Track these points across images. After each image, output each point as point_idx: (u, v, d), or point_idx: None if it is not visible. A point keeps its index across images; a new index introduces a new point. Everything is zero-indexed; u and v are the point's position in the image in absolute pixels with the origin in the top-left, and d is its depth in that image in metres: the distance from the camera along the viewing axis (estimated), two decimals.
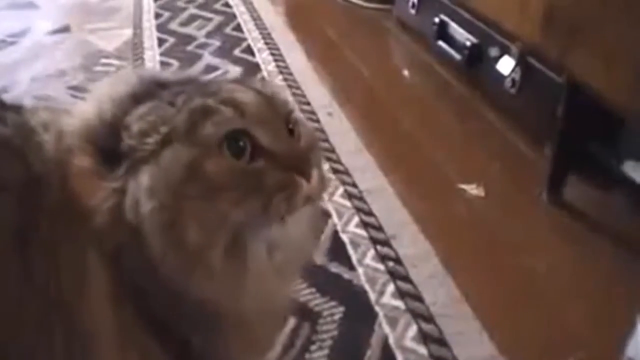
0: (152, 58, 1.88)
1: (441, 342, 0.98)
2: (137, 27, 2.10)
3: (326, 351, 0.96)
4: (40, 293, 0.54)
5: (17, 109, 0.63)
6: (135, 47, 1.96)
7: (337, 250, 1.14)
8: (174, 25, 2.11)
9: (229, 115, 0.56)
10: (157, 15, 2.18)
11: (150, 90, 0.59)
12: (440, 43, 1.76)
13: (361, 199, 1.28)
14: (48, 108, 0.63)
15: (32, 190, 0.56)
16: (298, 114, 0.64)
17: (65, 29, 2.10)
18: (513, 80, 1.43)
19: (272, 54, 1.90)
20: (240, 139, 0.56)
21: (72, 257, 0.55)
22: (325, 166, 1.35)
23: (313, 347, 0.97)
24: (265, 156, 0.57)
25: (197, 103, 0.57)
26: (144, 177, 0.55)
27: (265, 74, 1.79)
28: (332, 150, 1.42)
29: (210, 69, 1.81)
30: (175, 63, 1.84)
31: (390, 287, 1.07)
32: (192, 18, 2.17)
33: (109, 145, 0.56)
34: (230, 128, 0.56)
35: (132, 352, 0.57)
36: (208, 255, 0.55)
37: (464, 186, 1.34)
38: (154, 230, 0.54)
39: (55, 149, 0.58)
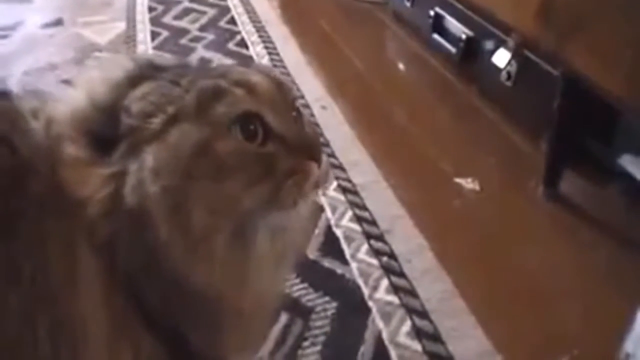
0: (145, 52, 1.86)
1: (435, 337, 0.97)
2: (131, 20, 2.09)
3: (319, 347, 0.95)
4: (26, 284, 0.53)
5: (5, 94, 0.61)
6: (128, 40, 1.94)
7: (331, 245, 1.13)
8: (167, 19, 2.10)
9: (242, 97, 0.56)
10: (151, 9, 2.17)
11: (147, 73, 0.58)
12: (436, 36, 1.75)
13: (355, 193, 1.27)
14: (37, 95, 0.62)
15: (19, 177, 0.54)
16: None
17: (58, 22, 2.09)
18: (509, 74, 1.42)
19: (266, 47, 1.88)
20: (252, 122, 0.56)
21: (62, 248, 0.54)
22: None
23: (306, 343, 0.96)
24: (275, 140, 0.57)
25: (207, 83, 0.56)
26: (149, 158, 0.53)
27: None
28: (326, 144, 1.40)
29: (203, 62, 1.80)
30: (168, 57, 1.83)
31: (384, 282, 1.06)
32: (186, 11, 2.16)
33: (104, 131, 0.55)
34: (243, 110, 0.56)
35: (123, 342, 0.56)
36: (213, 240, 0.55)
37: (459, 180, 1.33)
38: (159, 213, 0.53)
39: (44, 137, 0.56)
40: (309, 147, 0.58)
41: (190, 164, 0.54)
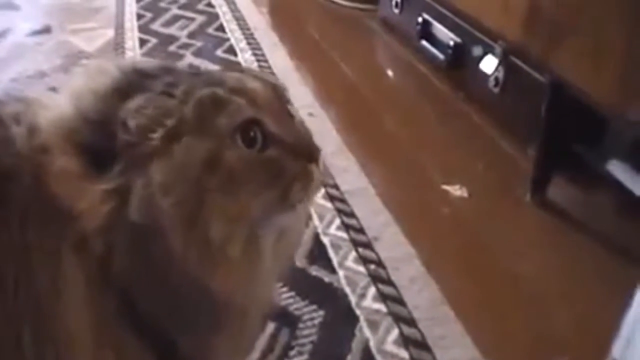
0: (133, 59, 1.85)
1: (423, 346, 0.97)
2: (119, 27, 2.07)
3: (306, 356, 0.95)
4: (9, 293, 0.52)
5: None
6: (117, 47, 1.93)
7: (318, 253, 1.13)
8: (156, 26, 2.09)
9: (242, 106, 0.56)
10: (139, 16, 2.16)
11: (134, 81, 0.57)
12: (424, 43, 1.75)
13: (343, 200, 1.26)
14: (20, 100, 0.60)
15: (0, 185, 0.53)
16: None
17: (46, 30, 2.07)
18: (496, 80, 1.43)
19: (255, 54, 1.88)
20: (251, 129, 0.56)
21: (46, 258, 0.53)
22: None
23: (292, 352, 0.95)
24: (276, 145, 0.57)
25: (204, 93, 0.56)
26: (156, 174, 0.53)
27: None
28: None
29: (189, 67, 1.79)
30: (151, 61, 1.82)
31: (372, 290, 1.05)
32: (175, 18, 2.15)
33: (95, 144, 0.54)
34: (244, 118, 0.55)
35: (107, 351, 0.55)
36: (230, 248, 0.55)
37: (447, 187, 1.33)
38: (173, 226, 0.53)
39: (27, 145, 0.55)
40: (307, 148, 0.59)
41: (201, 177, 0.53)
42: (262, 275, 0.59)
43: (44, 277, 0.53)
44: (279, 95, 0.61)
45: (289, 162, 0.57)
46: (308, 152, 0.58)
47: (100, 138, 0.54)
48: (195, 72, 0.61)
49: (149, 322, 0.56)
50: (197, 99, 0.55)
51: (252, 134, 0.56)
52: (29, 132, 0.55)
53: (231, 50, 1.91)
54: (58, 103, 0.58)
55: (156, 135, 0.53)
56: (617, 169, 1.16)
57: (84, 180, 0.53)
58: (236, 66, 0.60)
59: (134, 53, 1.89)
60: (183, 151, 0.54)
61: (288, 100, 0.62)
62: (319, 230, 1.18)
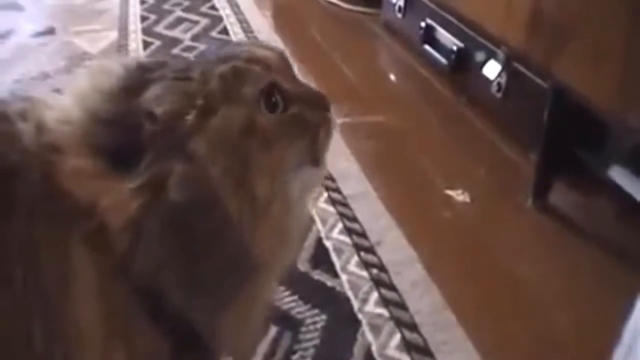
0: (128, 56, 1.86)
1: (425, 351, 0.97)
2: (123, 29, 2.08)
3: None
4: (17, 287, 0.53)
5: None
6: (120, 49, 1.94)
7: (321, 257, 1.13)
8: (159, 28, 2.10)
9: (261, 73, 0.61)
10: (143, 18, 2.17)
11: (139, 76, 0.59)
12: (427, 47, 1.75)
13: (345, 204, 1.27)
14: (25, 99, 0.61)
15: (4, 181, 0.54)
16: None
17: (49, 31, 2.08)
18: (499, 85, 1.43)
19: None
20: (272, 93, 0.61)
21: (55, 253, 0.54)
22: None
23: (295, 356, 0.95)
24: (295, 102, 0.62)
25: (225, 68, 0.60)
26: (199, 148, 0.56)
27: None
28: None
29: (181, 58, 1.80)
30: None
31: (374, 295, 1.06)
32: (179, 21, 2.15)
33: (114, 144, 0.56)
34: (265, 84, 0.60)
35: (118, 342, 0.57)
36: (272, 206, 0.60)
37: (449, 192, 1.33)
38: (227, 192, 0.57)
39: (35, 141, 0.56)
40: (321, 100, 0.65)
41: (241, 142, 0.58)
42: (292, 235, 0.65)
43: (53, 273, 0.54)
44: (285, 60, 0.66)
45: (309, 114, 0.63)
46: (322, 103, 0.65)
47: (117, 137, 0.56)
48: (206, 55, 0.66)
49: (170, 309, 0.58)
50: (218, 75, 0.59)
51: (273, 98, 0.61)
52: (37, 129, 0.57)
53: None
54: (64, 104, 0.59)
55: (190, 117, 0.57)
56: (619, 174, 1.16)
57: (104, 179, 0.55)
58: (234, 43, 0.68)
59: (137, 55, 1.89)
60: (220, 123, 0.58)
61: (289, 60, 0.67)
62: (322, 235, 1.18)
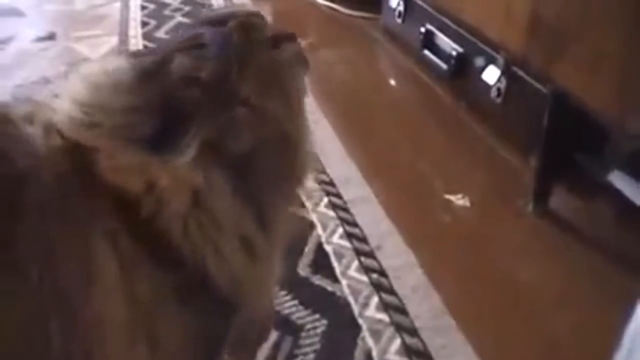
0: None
1: (425, 355, 0.97)
2: (123, 35, 2.08)
3: None
4: (33, 286, 0.53)
5: None
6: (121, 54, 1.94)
7: (321, 262, 1.14)
8: (160, 34, 2.10)
9: (261, 21, 0.70)
10: (144, 24, 2.17)
11: (147, 61, 0.63)
12: (427, 52, 1.76)
13: (345, 209, 1.27)
14: (28, 102, 0.62)
15: (14, 184, 0.54)
16: None
17: (50, 37, 2.08)
18: (498, 90, 1.43)
19: None
20: (270, 34, 0.69)
21: (75, 255, 0.55)
22: (310, 176, 1.34)
23: None
24: (281, 40, 0.70)
25: (232, 25, 0.66)
26: (253, 92, 0.63)
27: None
28: (317, 160, 1.41)
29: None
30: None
31: (374, 300, 1.06)
32: (179, 26, 2.15)
33: (148, 128, 0.58)
34: (266, 29, 0.69)
35: (141, 336, 0.58)
36: (306, 125, 0.72)
37: (449, 196, 1.34)
38: (285, 116, 0.66)
39: (45, 145, 0.57)
40: (291, 34, 0.73)
41: (280, 77, 0.68)
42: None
43: (72, 271, 0.55)
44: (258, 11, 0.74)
45: (292, 46, 0.72)
46: (294, 36, 0.73)
47: (151, 121, 0.58)
48: (192, 25, 0.73)
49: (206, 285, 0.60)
50: (229, 32, 0.65)
51: (274, 37, 0.69)
52: (45, 132, 0.57)
53: None
54: (74, 108, 0.59)
55: (232, 70, 0.62)
56: (618, 179, 1.17)
57: (150, 165, 0.57)
58: (212, 10, 0.76)
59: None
60: (258, 67, 0.65)
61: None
62: (322, 239, 1.19)
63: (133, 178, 0.56)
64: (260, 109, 0.64)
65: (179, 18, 2.23)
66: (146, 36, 2.07)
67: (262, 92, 0.65)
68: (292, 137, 0.68)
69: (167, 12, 2.28)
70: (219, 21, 0.68)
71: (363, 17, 2.20)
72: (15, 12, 2.27)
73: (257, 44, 0.67)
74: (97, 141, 0.57)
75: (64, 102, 0.60)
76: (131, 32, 2.11)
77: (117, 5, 2.33)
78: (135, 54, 0.68)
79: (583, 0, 1.07)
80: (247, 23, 0.68)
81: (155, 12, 2.27)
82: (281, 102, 0.67)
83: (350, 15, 2.24)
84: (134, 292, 0.57)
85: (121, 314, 0.56)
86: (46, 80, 1.78)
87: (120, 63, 0.63)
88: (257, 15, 0.72)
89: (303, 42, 0.79)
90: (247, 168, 0.63)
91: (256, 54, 0.66)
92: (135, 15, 2.25)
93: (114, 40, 2.05)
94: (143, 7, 2.31)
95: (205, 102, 0.60)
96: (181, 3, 2.35)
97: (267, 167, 0.66)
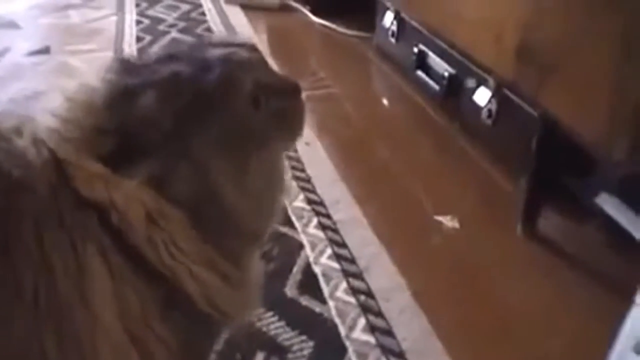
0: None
1: None
2: (118, 50, 2.09)
3: None
4: (28, 297, 0.54)
5: None
6: None
7: (309, 283, 1.13)
8: (154, 49, 2.10)
9: (244, 76, 0.65)
10: (139, 39, 2.18)
11: (122, 85, 0.62)
12: (419, 73, 1.76)
13: (335, 230, 1.27)
14: (15, 116, 0.63)
15: (9, 196, 0.55)
16: None
17: (45, 50, 2.09)
18: (489, 112, 1.44)
19: None
20: (256, 92, 0.66)
21: (69, 266, 0.56)
22: (300, 197, 1.35)
23: None
24: (274, 95, 0.67)
25: (212, 77, 0.63)
26: (203, 152, 0.62)
27: None
28: (308, 180, 1.41)
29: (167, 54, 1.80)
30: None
31: (361, 322, 1.06)
32: (173, 42, 2.16)
33: (115, 149, 0.59)
34: (250, 87, 0.65)
35: (134, 346, 0.59)
36: (268, 194, 0.69)
37: (439, 217, 1.34)
38: (227, 190, 0.63)
39: (36, 157, 0.58)
40: (293, 86, 0.70)
41: (243, 145, 0.64)
42: (278, 198, 0.73)
43: (66, 280, 0.55)
44: (257, 53, 0.70)
45: (287, 103, 0.69)
46: (295, 90, 0.70)
47: (119, 145, 0.59)
48: (172, 56, 0.67)
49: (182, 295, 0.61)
50: (207, 84, 0.63)
51: (257, 95, 0.66)
52: (34, 145, 0.59)
53: None
54: (55, 124, 0.61)
55: (189, 123, 0.61)
56: (607, 203, 1.17)
57: (113, 181, 0.58)
58: (208, 42, 0.72)
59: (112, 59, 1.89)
60: (220, 130, 0.63)
61: (260, 52, 0.71)
62: (311, 260, 1.19)
63: (99, 190, 0.58)
64: (204, 168, 0.62)
65: (174, 34, 2.24)
66: (141, 52, 2.08)
67: (212, 153, 0.63)
68: (232, 206, 0.65)
69: (162, 27, 2.29)
70: (206, 66, 0.64)
71: (357, 36, 2.21)
72: (11, 25, 2.28)
73: (230, 102, 0.64)
74: (69, 154, 0.59)
75: (46, 115, 0.62)
76: (126, 47, 2.11)
77: (113, 19, 2.35)
78: (121, 67, 0.66)
79: (571, 28, 1.07)
80: (227, 79, 0.64)
81: (150, 28, 2.29)
82: (232, 167, 0.64)
83: (344, 34, 2.25)
84: (125, 306, 0.58)
85: (115, 328, 0.57)
86: (39, 94, 1.78)
87: (97, 83, 0.64)
88: (247, 62, 0.67)
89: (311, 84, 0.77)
90: (196, 211, 0.62)
91: (222, 114, 0.64)
92: (131, 30, 2.26)
93: (108, 55, 2.04)
94: (138, 22, 2.32)
95: (156, 146, 0.60)
96: (176, 19, 2.37)
97: (214, 217, 0.64)
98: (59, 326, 0.55)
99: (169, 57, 0.66)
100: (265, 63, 0.71)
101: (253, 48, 0.71)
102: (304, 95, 0.72)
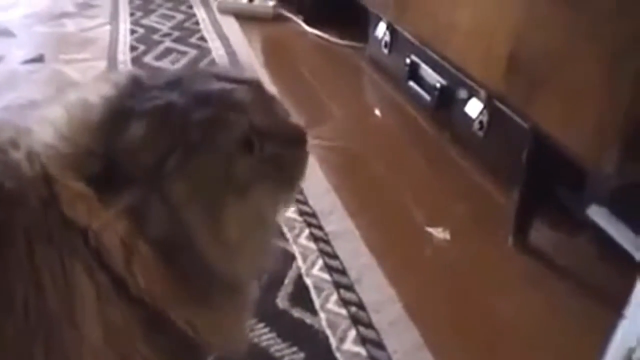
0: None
1: None
2: (112, 59, 2.09)
3: None
4: (19, 310, 0.54)
5: None
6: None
7: (300, 295, 1.13)
8: (148, 59, 2.12)
9: (237, 118, 0.61)
10: (133, 48, 2.18)
11: (120, 108, 0.60)
12: (411, 83, 1.77)
13: (326, 241, 1.27)
14: (12, 127, 0.63)
15: (5, 209, 0.56)
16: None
17: (39, 59, 2.08)
18: (481, 123, 1.45)
19: None
20: (249, 136, 0.62)
21: (58, 282, 0.56)
22: (292, 208, 1.35)
23: None
24: (271, 140, 0.63)
25: (203, 115, 0.60)
26: (176, 193, 0.58)
27: None
28: (300, 192, 1.41)
29: (170, 82, 1.80)
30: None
31: (352, 333, 1.06)
32: (167, 51, 2.17)
33: (103, 173, 0.58)
34: (243, 130, 0.61)
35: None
36: (246, 244, 0.63)
37: (430, 229, 1.34)
38: (199, 236, 0.59)
39: (30, 170, 0.58)
40: (296, 133, 0.66)
41: (218, 191, 0.60)
42: (269, 249, 0.70)
43: (56, 298, 0.56)
44: (262, 94, 0.66)
45: (285, 151, 0.64)
46: (298, 137, 0.66)
47: (105, 169, 0.58)
48: (173, 83, 0.64)
49: (166, 321, 0.60)
50: (197, 122, 0.60)
51: (251, 139, 0.62)
52: (28, 158, 0.59)
53: None
54: (50, 137, 0.60)
55: (168, 162, 0.58)
56: (597, 214, 1.18)
57: (94, 203, 0.57)
58: (211, 70, 0.67)
59: (118, 77, 1.89)
60: (197, 171, 0.59)
61: (270, 94, 0.68)
62: (302, 271, 1.19)
63: (81, 211, 0.57)
64: (176, 209, 0.59)
65: (168, 43, 2.24)
66: (135, 61, 2.08)
67: (187, 194, 0.59)
68: (204, 253, 0.61)
69: (156, 37, 2.29)
70: (200, 101, 0.61)
71: (350, 47, 2.22)
72: (5, 33, 2.28)
73: (215, 145, 0.60)
74: (58, 172, 0.58)
75: (44, 128, 0.61)
76: (120, 56, 2.11)
77: (107, 28, 2.35)
78: (127, 86, 0.63)
79: (561, 42, 1.08)
80: (216, 119, 0.61)
81: (145, 37, 2.29)
82: (206, 212, 0.60)
83: (337, 44, 2.26)
84: (109, 323, 0.58)
85: (101, 347, 0.57)
86: (34, 103, 1.77)
87: (97, 99, 0.62)
88: (243, 103, 0.63)
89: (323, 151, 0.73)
90: (168, 250, 0.60)
91: (204, 157, 0.60)
92: (125, 39, 2.26)
93: (102, 65, 2.05)
94: (132, 31, 2.33)
95: (137, 178, 0.58)
96: (170, 28, 2.38)
97: (186, 259, 0.61)
98: (47, 340, 0.56)
99: (175, 82, 0.63)
100: (270, 104, 0.67)
101: (258, 86, 0.67)
102: (312, 143, 0.67)
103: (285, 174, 0.65)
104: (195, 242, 0.60)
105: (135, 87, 0.63)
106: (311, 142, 0.68)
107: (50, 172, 0.58)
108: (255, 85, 0.66)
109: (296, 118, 0.70)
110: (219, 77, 0.65)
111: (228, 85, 0.64)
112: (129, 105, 0.61)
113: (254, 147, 0.62)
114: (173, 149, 0.59)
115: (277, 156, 0.64)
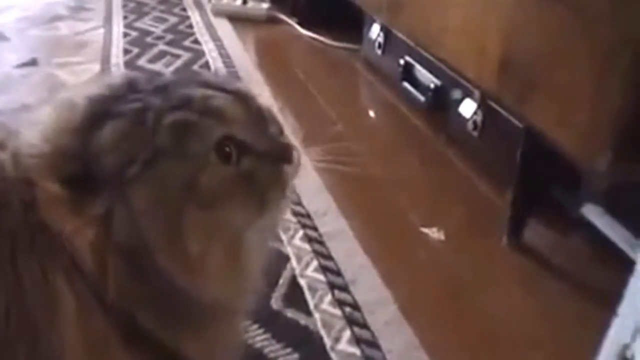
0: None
1: None
2: (105, 62, 2.09)
3: None
4: (0, 324, 0.53)
5: None
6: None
7: (295, 296, 1.13)
8: (142, 62, 2.11)
9: (213, 125, 0.58)
10: (126, 51, 2.18)
11: (101, 109, 0.59)
12: (406, 84, 1.77)
13: (321, 242, 1.27)
14: (1, 128, 0.62)
15: None
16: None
17: (32, 63, 2.08)
18: (475, 123, 1.45)
19: None
20: (226, 145, 0.58)
21: (38, 285, 0.55)
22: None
23: None
24: (250, 155, 0.60)
25: (176, 119, 0.58)
26: (135, 199, 0.56)
27: None
28: (294, 192, 1.41)
29: (155, 82, 1.80)
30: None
31: (347, 334, 1.06)
32: (161, 54, 2.17)
33: (78, 177, 0.56)
34: (216, 138, 0.58)
35: None
36: (208, 262, 0.58)
37: (425, 230, 1.34)
38: (156, 245, 0.56)
39: (13, 172, 0.57)
40: (281, 151, 0.62)
41: (180, 199, 0.57)
42: (247, 274, 0.63)
43: (37, 303, 0.55)
44: (248, 105, 0.63)
45: (263, 168, 0.60)
46: (282, 155, 0.62)
47: (81, 171, 0.56)
48: (160, 87, 0.62)
49: (144, 331, 0.58)
50: (168, 125, 0.57)
51: (227, 149, 0.58)
52: (13, 159, 0.58)
53: None
54: (33, 138, 0.59)
55: (133, 167, 0.56)
56: (592, 213, 1.18)
57: (69, 207, 0.55)
58: (200, 76, 0.63)
59: (111, 77, 1.89)
60: (160, 177, 0.56)
61: (260, 106, 0.64)
62: (296, 272, 1.18)
63: (55, 214, 0.56)
64: (137, 215, 0.56)
65: (162, 46, 2.24)
66: (128, 64, 2.08)
67: (148, 201, 0.56)
68: (164, 267, 0.57)
69: (149, 39, 2.29)
70: (176, 105, 0.59)
71: (344, 48, 2.23)
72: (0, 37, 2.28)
73: (183, 152, 0.57)
74: (37, 173, 0.57)
75: (31, 129, 0.61)
76: (113, 59, 2.11)
77: (101, 31, 2.35)
78: (118, 87, 0.61)
79: (552, 43, 1.08)
80: (188, 125, 0.58)
81: (138, 40, 2.29)
82: (166, 220, 0.57)
83: (332, 46, 2.26)
84: (89, 331, 0.57)
85: (80, 352, 0.56)
86: (26, 107, 1.77)
87: (81, 100, 0.61)
88: (222, 111, 0.60)
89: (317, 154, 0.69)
90: (132, 261, 0.57)
91: (170, 163, 0.57)
92: (118, 42, 2.26)
93: (96, 68, 2.04)
94: (126, 35, 2.33)
95: (106, 182, 0.56)
96: (164, 31, 2.38)
97: (150, 273, 0.57)
98: (29, 348, 0.54)
99: (163, 87, 0.61)
100: (258, 117, 0.63)
101: (247, 98, 0.63)
102: (302, 164, 0.63)
103: (259, 193, 0.61)
104: (155, 253, 0.57)
105: (127, 90, 0.61)
106: (310, 161, 0.67)
107: (31, 173, 0.57)
108: (243, 96, 0.63)
109: (291, 136, 0.66)
110: (206, 84, 0.63)
111: (210, 92, 0.61)
112: (108, 107, 0.59)
113: (230, 158, 0.59)
114: (138, 152, 0.57)
115: (255, 172, 0.60)
